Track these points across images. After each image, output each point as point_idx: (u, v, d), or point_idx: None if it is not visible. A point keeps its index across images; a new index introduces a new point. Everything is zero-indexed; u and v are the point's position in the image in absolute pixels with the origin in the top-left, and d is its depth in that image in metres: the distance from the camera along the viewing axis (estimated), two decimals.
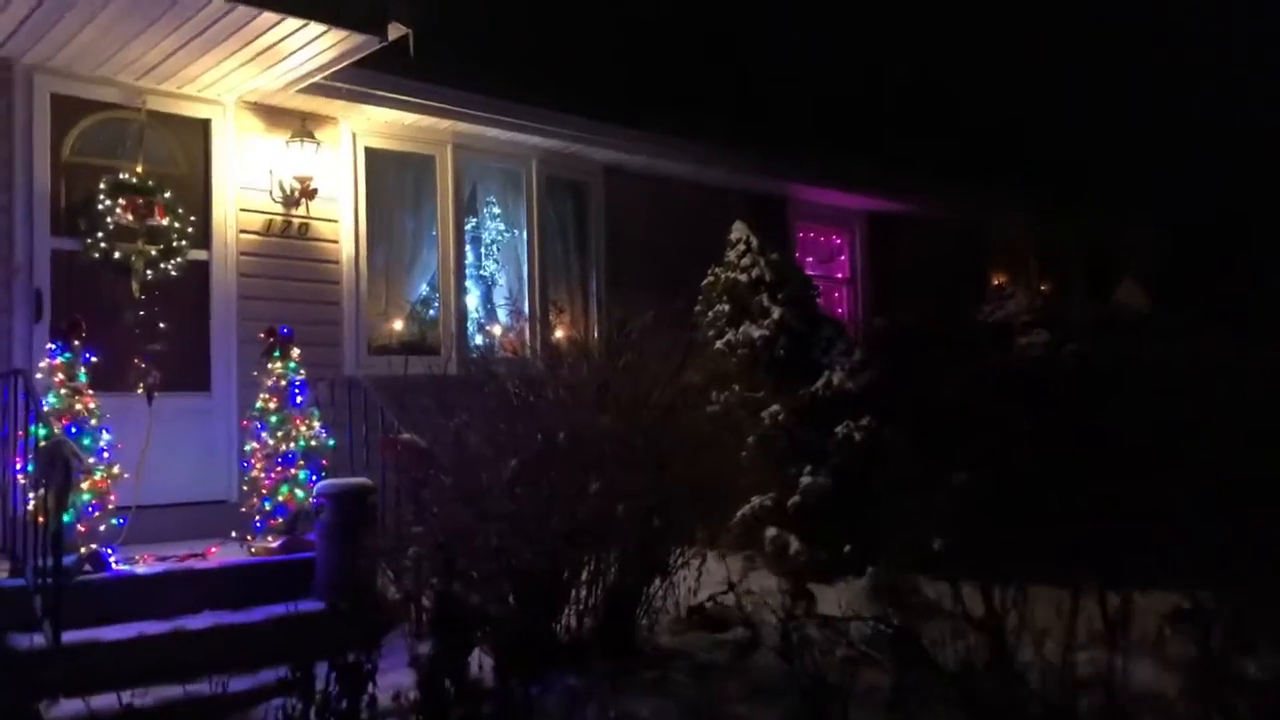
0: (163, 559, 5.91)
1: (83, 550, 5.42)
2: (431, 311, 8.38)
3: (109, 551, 5.58)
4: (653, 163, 9.58)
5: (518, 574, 5.16)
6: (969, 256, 13.04)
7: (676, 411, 5.73)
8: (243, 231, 7.34)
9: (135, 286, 6.77)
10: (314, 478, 6.26)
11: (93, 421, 5.53)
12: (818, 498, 7.56)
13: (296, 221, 7.55)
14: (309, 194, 7.45)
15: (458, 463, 5.46)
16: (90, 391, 5.60)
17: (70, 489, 4.85)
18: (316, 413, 6.37)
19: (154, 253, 6.80)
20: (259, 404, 6.32)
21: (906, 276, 11.86)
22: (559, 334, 9.07)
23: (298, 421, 6.25)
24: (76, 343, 5.60)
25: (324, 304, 7.66)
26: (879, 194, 11.34)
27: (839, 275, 11.80)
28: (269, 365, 6.36)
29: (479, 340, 8.61)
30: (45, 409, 5.30)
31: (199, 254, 7.15)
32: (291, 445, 6.18)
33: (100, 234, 6.62)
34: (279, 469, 6.16)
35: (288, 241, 7.53)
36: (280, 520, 6.18)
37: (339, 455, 6.55)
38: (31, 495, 5.27)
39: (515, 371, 6.14)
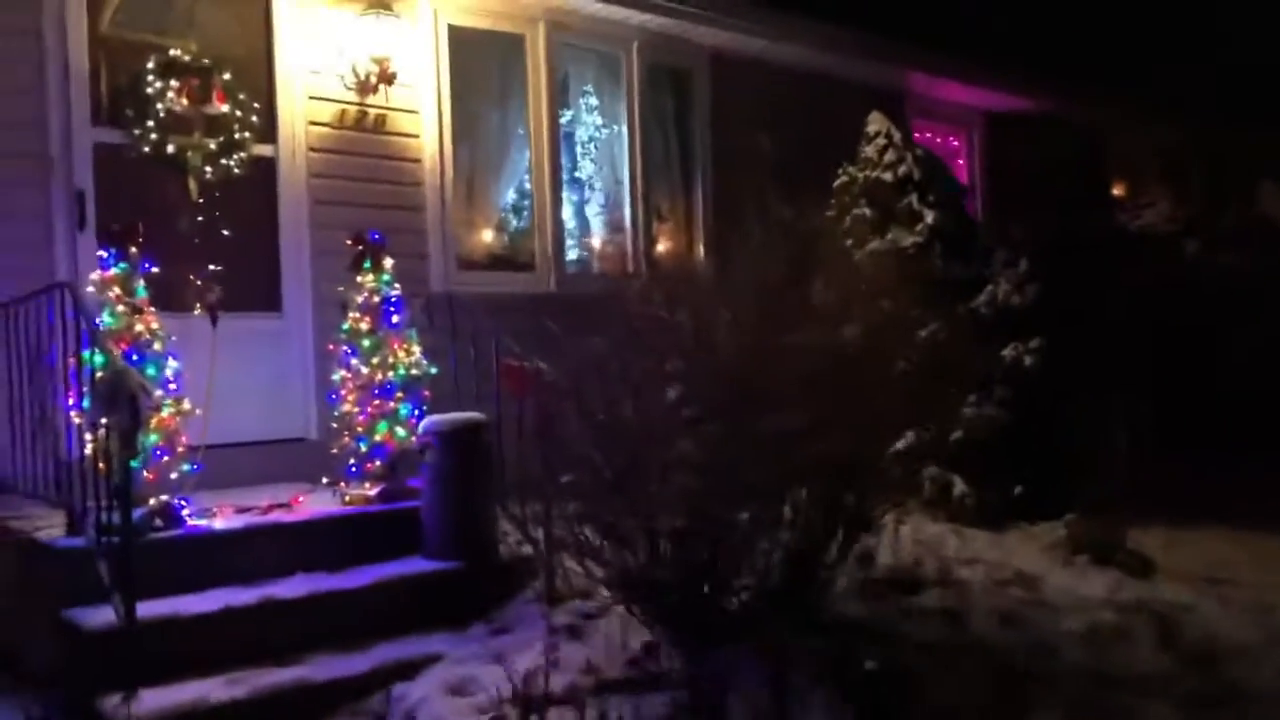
0: (242, 510, 4.94)
1: (152, 502, 4.45)
2: (522, 221, 7.29)
3: (181, 504, 4.60)
4: (764, 48, 8.37)
5: (693, 531, 4.15)
6: (1087, 163, 11.82)
7: (872, 338, 4.66)
8: (312, 123, 6.24)
9: (192, 186, 5.71)
10: (416, 412, 5.25)
11: (156, 345, 4.51)
12: (985, 431, 6.51)
13: (373, 113, 6.45)
14: (387, 78, 6.33)
15: (606, 396, 4.41)
16: (152, 309, 4.58)
17: (139, 429, 3.85)
18: (415, 335, 5.34)
19: (213, 146, 5.73)
20: (347, 325, 5.28)
21: (1025, 183, 10.63)
22: (661, 246, 8.01)
23: (395, 345, 5.22)
24: (133, 250, 4.56)
25: (406, 210, 6.59)
26: (1003, 86, 10.09)
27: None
28: (358, 278, 5.31)
29: (574, 254, 7.53)
30: (99, 330, 4.28)
31: (264, 149, 6.07)
32: (389, 374, 5.15)
33: (150, 123, 5.54)
34: (376, 402, 5.14)
35: (363, 136, 6.43)
36: (378, 463, 5.19)
37: (438, 386, 5.53)
38: (89, 437, 4.29)
39: (650, 290, 5.05)
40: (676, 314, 4.71)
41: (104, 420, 3.92)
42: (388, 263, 5.35)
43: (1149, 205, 10.26)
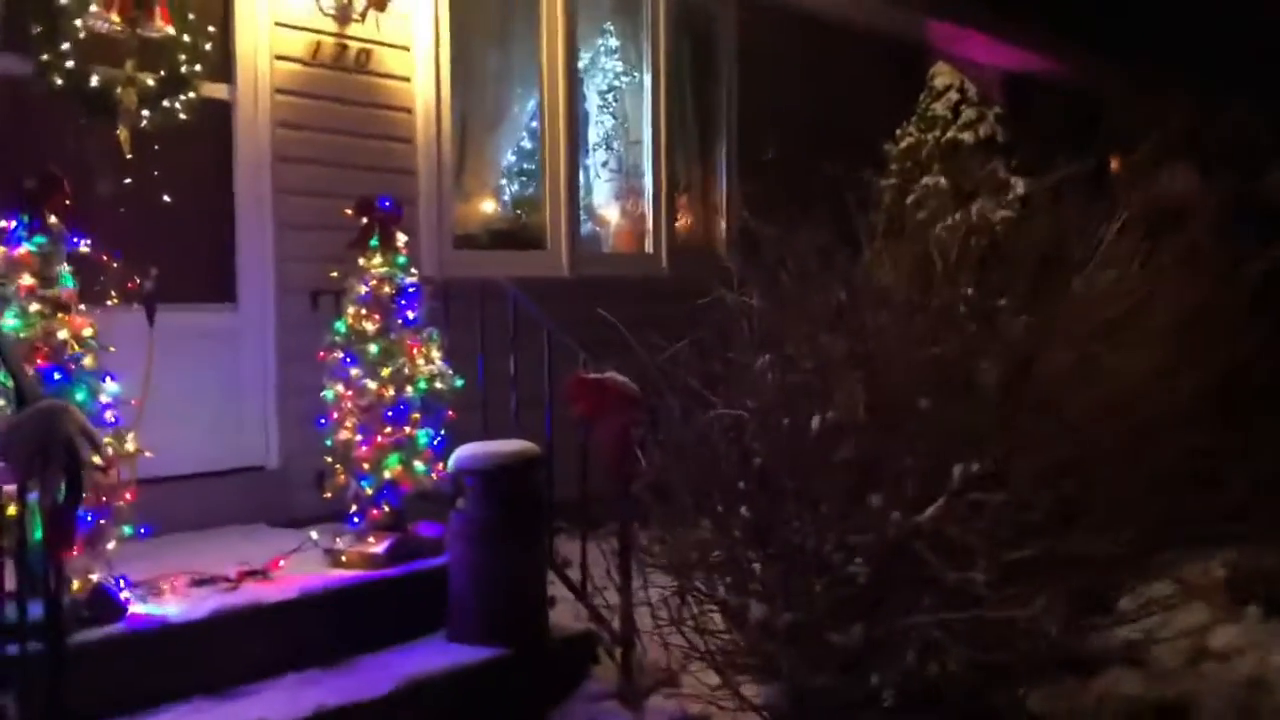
0: (202, 581, 3.58)
1: (76, 584, 3.08)
2: (528, 189, 5.98)
3: (119, 582, 3.24)
4: None
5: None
6: (1094, 133, 10.95)
7: None
8: (279, 58, 4.83)
9: (124, 135, 4.26)
10: (437, 439, 3.95)
11: (87, 360, 3.12)
12: None
13: (355, 47, 5.06)
14: (378, 2, 4.94)
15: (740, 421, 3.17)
16: (81, 306, 3.18)
17: (80, 495, 2.49)
18: (437, 335, 4.01)
19: (151, 82, 4.30)
20: (344, 323, 3.93)
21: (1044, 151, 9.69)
22: (680, 221, 6.78)
23: (412, 350, 3.89)
24: (54, 219, 3.15)
25: (393, 173, 5.21)
26: (1033, 44, 9.07)
27: None
28: (361, 261, 3.97)
29: (585, 228, 6.24)
30: (5, 338, 2.87)
31: (216, 90, 4.65)
32: (407, 389, 3.83)
33: (65, 46, 4.08)
34: (387, 429, 3.81)
35: (343, 76, 5.04)
36: (386, 509, 3.87)
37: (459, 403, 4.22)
38: None
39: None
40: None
41: (23, 480, 2.54)
42: (401, 239, 4.01)
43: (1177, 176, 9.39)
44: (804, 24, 7.45)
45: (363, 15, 4.94)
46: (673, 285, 6.36)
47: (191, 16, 4.40)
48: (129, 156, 4.33)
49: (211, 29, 4.50)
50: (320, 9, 4.88)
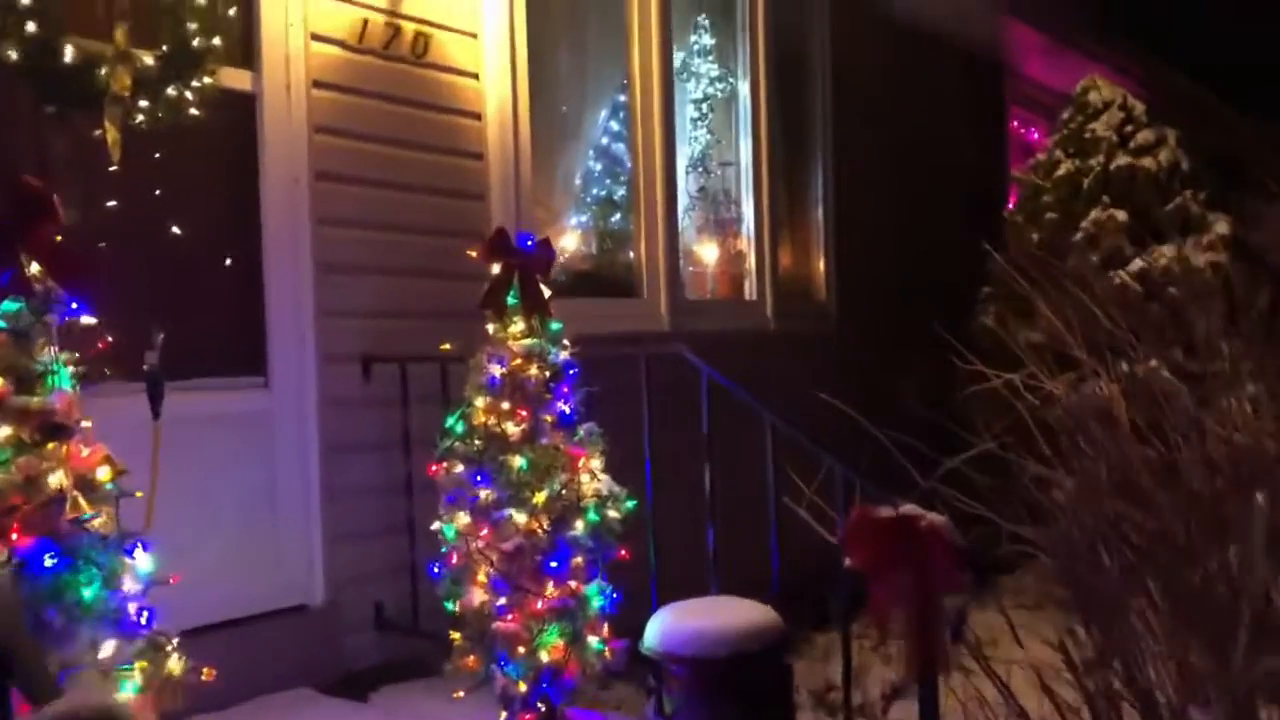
0: None
1: None
2: (615, 220, 4.68)
3: None
4: None
5: None
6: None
7: None
8: (316, 38, 3.49)
9: (111, 136, 2.86)
10: (611, 596, 2.61)
11: (98, 521, 1.72)
12: None
13: (410, 29, 3.74)
14: None
15: None
16: (87, 423, 1.79)
17: None
18: (599, 436, 2.66)
19: (151, 60, 2.93)
20: (461, 419, 2.57)
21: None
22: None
23: (576, 462, 2.55)
24: (36, 268, 1.76)
25: (460, 198, 3.89)
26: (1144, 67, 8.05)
27: None
28: (492, 328, 2.63)
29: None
30: None
31: (237, 77, 3.29)
32: (575, 524, 2.49)
33: (27, 2, 2.70)
34: (549, 585, 2.46)
35: (396, 67, 3.71)
36: (543, 708, 2.51)
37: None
38: None
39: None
40: None
41: None
42: (545, 293, 2.67)
43: None
44: (894, 35, 6.29)
45: None
46: (780, 340, 5.14)
47: None
48: (115, 167, 2.94)
49: None
50: None
